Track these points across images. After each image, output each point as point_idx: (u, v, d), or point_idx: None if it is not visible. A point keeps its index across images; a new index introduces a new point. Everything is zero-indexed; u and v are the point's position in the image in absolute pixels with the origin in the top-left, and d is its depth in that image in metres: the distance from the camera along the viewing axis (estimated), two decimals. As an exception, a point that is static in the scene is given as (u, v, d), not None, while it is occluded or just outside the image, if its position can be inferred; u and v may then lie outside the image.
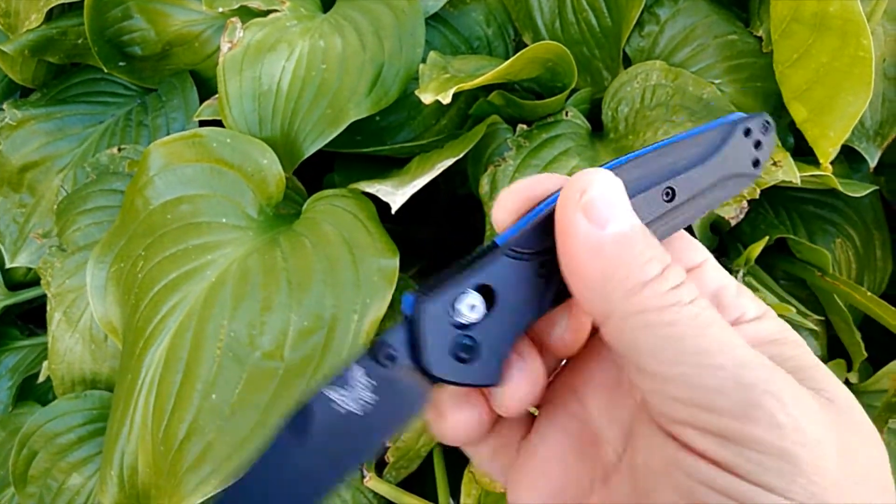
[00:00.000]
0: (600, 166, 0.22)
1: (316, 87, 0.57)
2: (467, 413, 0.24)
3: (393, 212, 0.48)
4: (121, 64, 0.72)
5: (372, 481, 0.57)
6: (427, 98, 0.50)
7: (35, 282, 0.79)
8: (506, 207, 0.23)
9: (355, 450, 0.22)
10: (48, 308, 0.66)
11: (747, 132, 0.23)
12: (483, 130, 0.55)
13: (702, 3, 0.62)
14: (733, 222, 0.53)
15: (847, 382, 0.63)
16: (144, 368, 0.50)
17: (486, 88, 0.57)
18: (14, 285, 0.79)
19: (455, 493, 0.57)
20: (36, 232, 0.72)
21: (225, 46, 0.58)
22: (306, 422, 0.22)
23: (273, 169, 0.54)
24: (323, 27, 0.60)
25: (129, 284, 0.54)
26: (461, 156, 0.51)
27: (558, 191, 0.22)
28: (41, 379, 0.72)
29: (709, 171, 0.23)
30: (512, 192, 0.24)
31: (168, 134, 0.70)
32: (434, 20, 0.67)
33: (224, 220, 0.53)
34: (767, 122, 0.23)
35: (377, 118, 0.62)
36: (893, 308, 0.55)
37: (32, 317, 0.84)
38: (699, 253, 0.24)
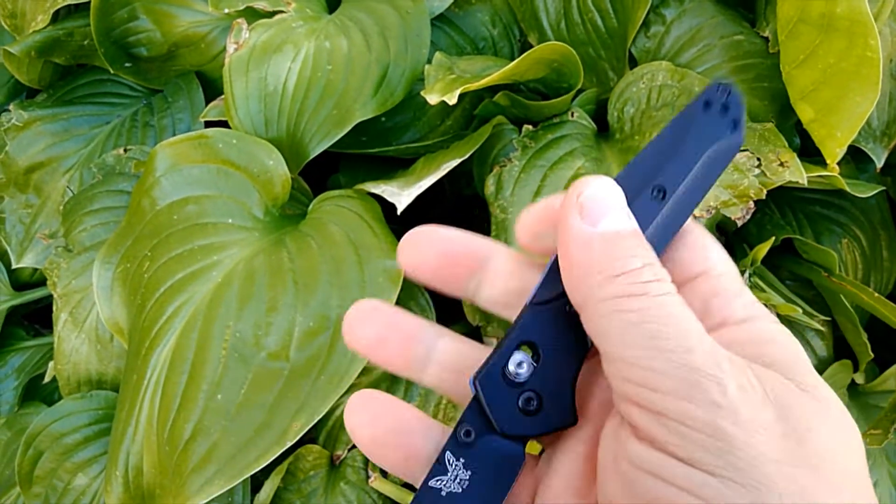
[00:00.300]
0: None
1: (321, 87, 0.57)
2: None
3: (398, 212, 0.48)
4: (127, 65, 0.72)
5: (377, 482, 0.57)
6: (433, 99, 0.50)
7: (41, 282, 0.79)
8: (526, 227, 0.25)
9: None
10: (54, 308, 0.66)
11: (706, 104, 0.24)
12: (489, 131, 0.55)
13: (708, 4, 0.62)
14: (739, 223, 0.52)
15: (853, 383, 0.62)
16: (150, 369, 0.51)
17: (492, 89, 0.57)
18: (20, 285, 0.79)
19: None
20: (42, 232, 0.72)
21: (231, 47, 0.58)
22: None
23: (279, 170, 0.54)
24: (328, 28, 0.60)
25: (136, 285, 0.54)
26: (467, 156, 0.51)
27: None
28: (47, 379, 0.72)
29: (688, 156, 0.23)
30: (531, 213, 0.25)
31: (174, 135, 0.70)
32: (439, 21, 0.67)
33: (230, 221, 0.53)
34: (721, 86, 0.24)
35: (383, 119, 0.62)
36: (900, 309, 0.55)
37: (38, 317, 0.85)
38: (711, 253, 0.24)
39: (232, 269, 0.51)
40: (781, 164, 0.51)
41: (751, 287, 0.51)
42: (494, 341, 0.53)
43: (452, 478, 0.24)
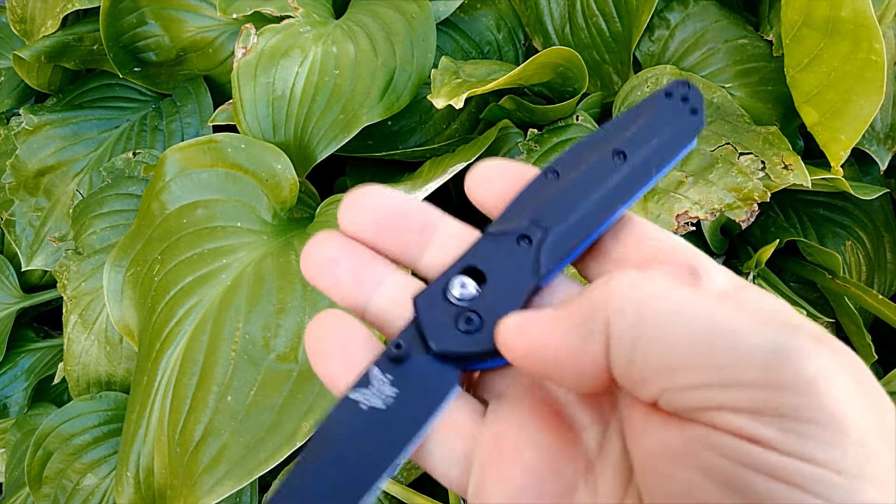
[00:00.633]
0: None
1: (329, 92, 0.58)
2: None
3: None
4: (136, 69, 0.73)
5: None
6: (439, 103, 0.50)
7: (51, 284, 0.80)
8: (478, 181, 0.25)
9: (386, 446, 0.22)
10: (64, 311, 0.67)
11: (667, 94, 0.25)
12: (494, 135, 0.55)
13: (712, 8, 0.62)
14: (744, 225, 0.53)
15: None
16: (161, 371, 0.51)
17: (497, 93, 0.58)
18: (30, 288, 0.80)
19: (466, 494, 0.57)
20: (52, 235, 0.73)
21: (239, 52, 0.58)
22: (335, 425, 0.22)
23: (287, 173, 0.54)
24: (336, 33, 0.60)
25: (146, 288, 0.54)
26: (473, 160, 0.52)
27: (536, 175, 0.25)
28: (57, 380, 0.73)
29: (650, 130, 0.25)
30: (486, 169, 0.25)
31: (182, 139, 0.71)
32: (445, 25, 0.68)
33: (239, 225, 0.53)
34: (681, 82, 0.25)
35: (389, 123, 0.63)
36: (904, 311, 0.55)
37: (48, 319, 0.85)
38: (670, 237, 0.23)
39: (241, 272, 0.52)
40: (785, 167, 0.51)
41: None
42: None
43: (376, 393, 0.22)
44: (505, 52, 0.69)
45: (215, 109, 0.65)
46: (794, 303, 0.59)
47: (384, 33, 0.59)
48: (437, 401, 0.23)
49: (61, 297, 0.67)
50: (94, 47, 0.73)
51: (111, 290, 0.56)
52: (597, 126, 0.60)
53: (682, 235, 0.44)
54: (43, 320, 0.85)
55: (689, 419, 0.17)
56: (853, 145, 0.52)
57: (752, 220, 0.52)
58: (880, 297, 0.56)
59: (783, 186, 0.51)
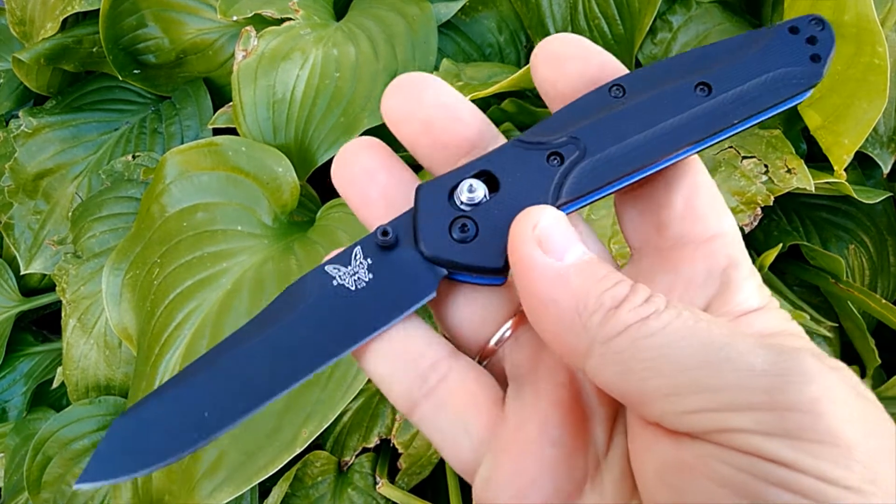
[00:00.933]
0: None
1: (330, 95, 0.57)
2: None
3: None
4: (135, 72, 0.73)
5: (384, 487, 0.57)
6: (441, 106, 0.50)
7: (49, 288, 0.79)
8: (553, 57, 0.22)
9: (345, 326, 0.21)
10: (63, 314, 0.67)
11: (793, 29, 0.22)
12: (496, 138, 0.55)
13: (715, 11, 0.62)
14: (747, 229, 0.52)
15: (861, 389, 0.62)
16: (160, 375, 0.51)
17: (499, 95, 0.57)
18: (28, 291, 0.80)
19: (467, 499, 0.57)
20: (51, 238, 0.73)
21: (239, 55, 0.58)
22: (301, 291, 0.21)
23: (288, 177, 0.54)
24: (336, 35, 0.60)
25: (145, 291, 0.54)
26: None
27: (594, 90, 0.21)
28: (55, 385, 0.73)
29: (748, 66, 0.21)
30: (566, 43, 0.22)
31: (182, 141, 0.71)
32: (446, 28, 0.67)
33: (239, 228, 0.53)
34: (816, 18, 0.22)
35: (390, 125, 0.63)
36: (908, 315, 0.55)
37: (47, 323, 0.85)
38: (721, 221, 0.22)
39: (241, 276, 0.51)
40: (789, 171, 0.51)
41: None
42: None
43: (351, 273, 0.21)
44: (506, 54, 0.69)
45: (215, 112, 0.65)
46: (797, 307, 0.58)
47: (385, 35, 0.59)
48: (408, 303, 0.21)
49: (60, 301, 0.67)
50: (94, 49, 0.73)
51: (110, 294, 0.56)
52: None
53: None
54: (42, 324, 0.85)
55: (699, 438, 0.18)
56: (856, 149, 0.51)
57: (756, 224, 0.52)
58: (883, 301, 0.56)
59: (786, 190, 0.51)
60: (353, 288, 0.21)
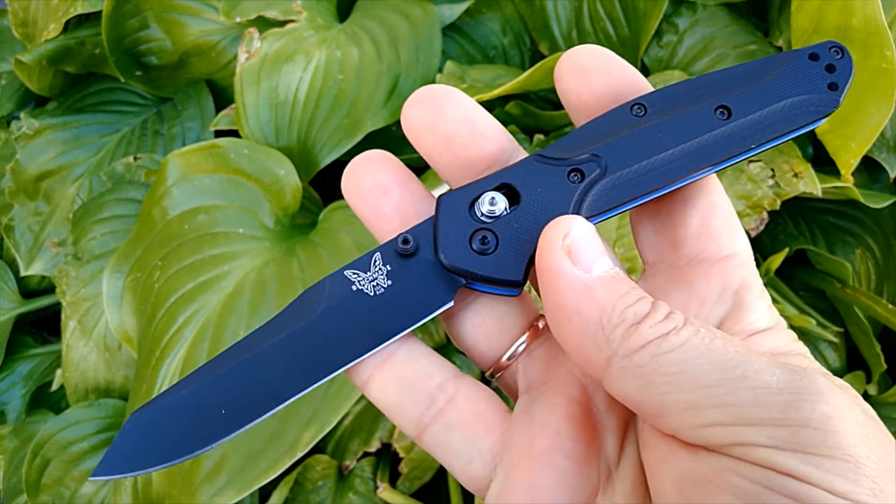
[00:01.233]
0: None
1: (333, 97, 0.57)
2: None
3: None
4: (137, 73, 0.72)
5: (386, 492, 0.57)
6: (445, 108, 0.50)
7: (49, 290, 0.79)
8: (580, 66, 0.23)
9: (364, 330, 0.22)
10: (63, 316, 0.66)
11: (813, 56, 0.22)
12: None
13: (721, 13, 0.62)
14: (753, 234, 0.52)
15: (866, 394, 0.62)
16: (160, 378, 0.50)
17: (503, 98, 0.57)
18: (28, 293, 0.79)
19: (468, 503, 0.57)
20: (51, 240, 0.72)
21: (242, 56, 0.58)
22: (320, 294, 0.22)
23: (290, 179, 0.54)
24: (339, 37, 0.60)
25: (146, 294, 0.54)
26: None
27: (616, 108, 0.22)
28: (55, 387, 0.72)
29: (768, 91, 0.22)
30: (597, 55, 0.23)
31: (184, 143, 0.70)
32: (450, 30, 0.67)
33: (241, 231, 0.53)
34: (836, 45, 0.22)
35: (393, 128, 0.62)
36: (915, 321, 0.54)
37: (46, 325, 0.85)
38: (734, 241, 0.23)
39: (243, 279, 0.51)
40: (795, 175, 0.51)
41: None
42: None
43: (370, 278, 0.22)
44: (510, 56, 0.68)
45: (217, 114, 0.65)
46: (803, 312, 0.58)
47: (389, 37, 0.59)
48: (426, 310, 0.22)
49: (60, 303, 0.66)
50: (96, 51, 0.73)
51: (110, 296, 0.55)
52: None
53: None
54: (41, 326, 0.84)
55: (715, 451, 0.18)
56: (863, 153, 0.51)
57: (762, 228, 0.52)
58: (889, 306, 0.56)
59: (793, 194, 0.50)
60: (372, 293, 0.22)
